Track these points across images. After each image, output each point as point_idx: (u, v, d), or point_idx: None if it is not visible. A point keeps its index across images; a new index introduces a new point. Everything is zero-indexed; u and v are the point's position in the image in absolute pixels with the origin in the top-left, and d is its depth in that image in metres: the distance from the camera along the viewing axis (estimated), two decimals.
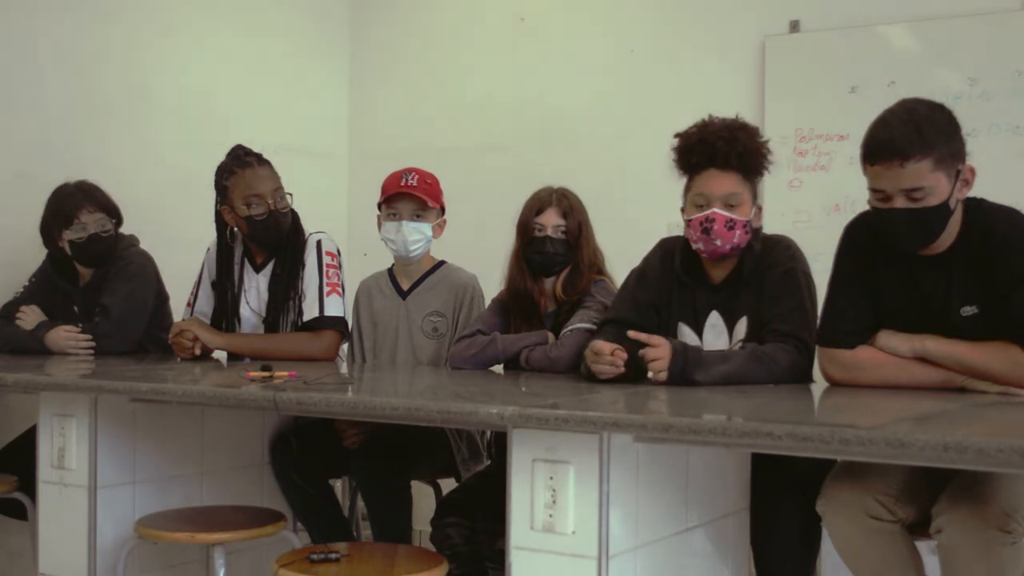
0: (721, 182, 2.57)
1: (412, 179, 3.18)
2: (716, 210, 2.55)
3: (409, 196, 3.18)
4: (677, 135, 2.65)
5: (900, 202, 2.20)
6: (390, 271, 3.38)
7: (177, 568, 2.86)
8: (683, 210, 2.65)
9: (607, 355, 2.40)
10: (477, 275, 3.32)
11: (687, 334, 2.64)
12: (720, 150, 2.56)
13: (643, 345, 2.40)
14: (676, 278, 2.68)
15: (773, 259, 2.59)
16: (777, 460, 2.23)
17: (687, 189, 2.65)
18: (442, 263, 3.35)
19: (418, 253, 3.25)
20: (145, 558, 2.73)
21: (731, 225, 2.55)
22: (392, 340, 3.29)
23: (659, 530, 2.05)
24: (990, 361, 2.20)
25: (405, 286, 3.31)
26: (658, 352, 2.36)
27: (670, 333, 2.65)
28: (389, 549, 2.49)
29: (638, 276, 2.75)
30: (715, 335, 2.62)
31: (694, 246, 2.62)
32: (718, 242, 2.55)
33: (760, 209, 2.66)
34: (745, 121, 2.63)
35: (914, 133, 2.15)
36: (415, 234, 3.20)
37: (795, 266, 2.57)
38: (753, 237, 2.61)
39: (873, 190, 2.25)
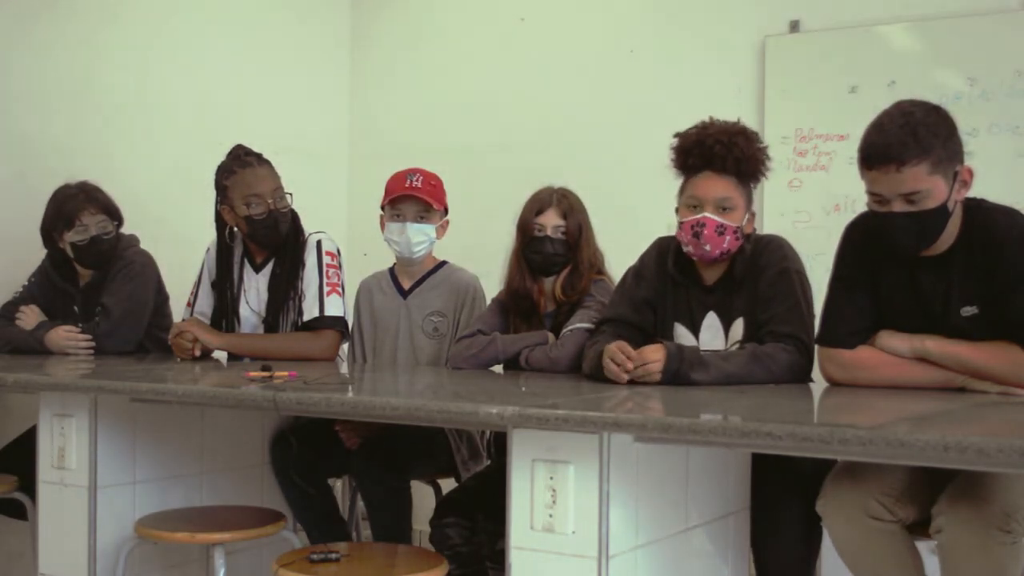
0: (716, 185, 2.57)
1: (417, 180, 3.18)
2: (708, 214, 2.55)
3: (414, 198, 3.18)
4: (676, 135, 2.65)
5: (898, 206, 2.20)
6: (391, 270, 3.38)
7: (177, 568, 2.86)
8: (677, 211, 2.65)
9: (622, 359, 2.39)
10: (477, 275, 3.33)
11: (683, 335, 2.65)
12: (717, 154, 2.56)
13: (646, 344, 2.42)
14: (671, 278, 2.69)
15: (766, 260, 2.59)
16: (777, 460, 2.23)
17: (682, 190, 2.65)
18: (444, 263, 3.35)
19: (421, 254, 3.25)
20: (145, 558, 2.73)
21: (721, 230, 2.56)
22: (392, 340, 3.30)
23: (659, 530, 2.05)
24: (990, 361, 2.20)
25: (406, 285, 3.31)
26: (652, 355, 2.36)
27: (666, 332, 2.66)
28: (389, 549, 2.49)
29: (635, 275, 2.75)
30: (711, 336, 2.62)
31: (684, 248, 2.63)
32: (707, 247, 2.56)
33: (753, 215, 2.66)
34: (745, 126, 2.63)
35: (910, 137, 2.15)
36: (419, 235, 3.20)
37: (788, 265, 2.57)
38: (744, 242, 2.62)
39: (871, 194, 2.25)
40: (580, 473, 1.86)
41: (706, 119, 2.65)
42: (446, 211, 3.28)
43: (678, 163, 2.65)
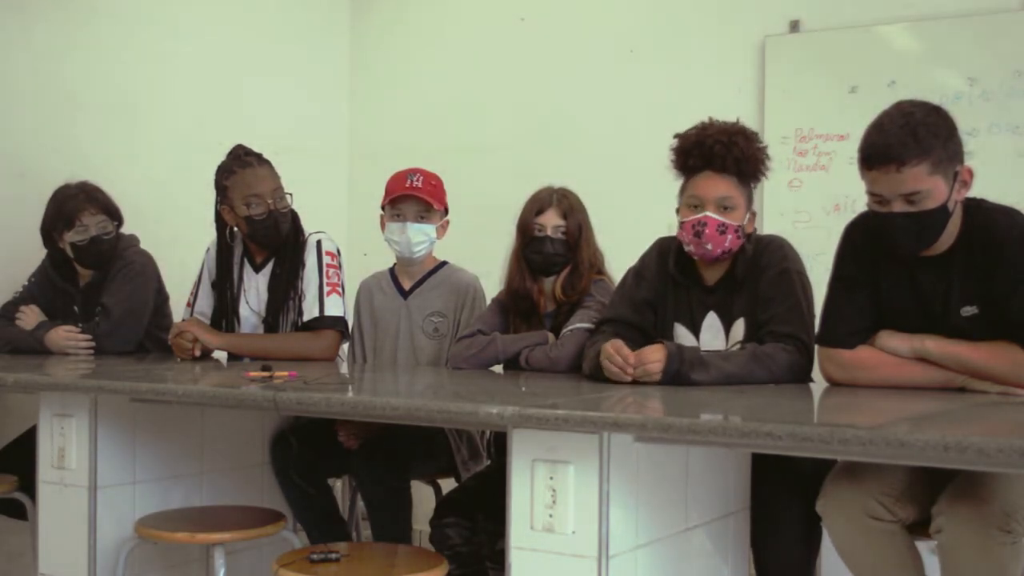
0: (716, 185, 2.58)
1: (417, 180, 3.18)
2: (709, 213, 2.56)
3: (414, 198, 3.18)
4: (676, 136, 2.65)
5: (898, 206, 2.20)
6: (392, 271, 3.38)
7: (177, 568, 2.86)
8: (678, 211, 2.65)
9: (621, 360, 2.39)
10: (477, 275, 3.33)
11: (684, 335, 2.65)
12: (717, 153, 2.56)
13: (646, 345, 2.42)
14: (671, 278, 2.69)
15: (766, 260, 2.59)
16: (777, 460, 2.23)
17: (682, 190, 2.65)
18: (444, 263, 3.35)
19: (422, 254, 3.25)
20: (145, 558, 2.73)
21: (723, 229, 2.56)
22: (393, 340, 3.29)
23: (659, 530, 2.05)
24: (990, 361, 2.20)
25: (407, 286, 3.31)
26: (653, 355, 2.36)
27: (667, 333, 2.66)
28: (389, 549, 2.49)
29: (635, 275, 2.75)
30: (712, 336, 2.62)
31: (685, 248, 2.63)
32: (708, 246, 2.56)
33: (754, 215, 2.66)
34: (744, 126, 2.64)
35: (910, 137, 2.15)
36: (419, 235, 3.20)
37: (789, 266, 2.58)
38: (746, 241, 2.62)
39: (871, 194, 2.25)
40: (580, 473, 1.86)
41: (706, 119, 2.65)
42: (446, 211, 3.28)
43: (678, 164, 2.65)
